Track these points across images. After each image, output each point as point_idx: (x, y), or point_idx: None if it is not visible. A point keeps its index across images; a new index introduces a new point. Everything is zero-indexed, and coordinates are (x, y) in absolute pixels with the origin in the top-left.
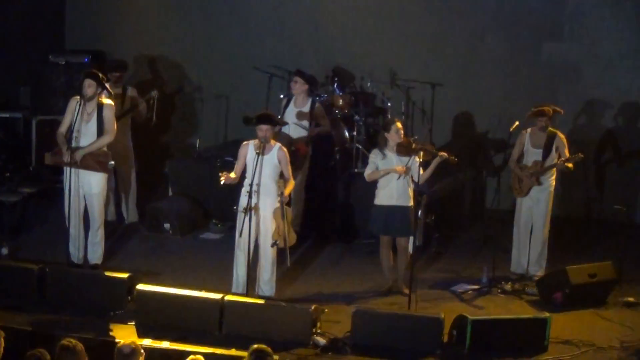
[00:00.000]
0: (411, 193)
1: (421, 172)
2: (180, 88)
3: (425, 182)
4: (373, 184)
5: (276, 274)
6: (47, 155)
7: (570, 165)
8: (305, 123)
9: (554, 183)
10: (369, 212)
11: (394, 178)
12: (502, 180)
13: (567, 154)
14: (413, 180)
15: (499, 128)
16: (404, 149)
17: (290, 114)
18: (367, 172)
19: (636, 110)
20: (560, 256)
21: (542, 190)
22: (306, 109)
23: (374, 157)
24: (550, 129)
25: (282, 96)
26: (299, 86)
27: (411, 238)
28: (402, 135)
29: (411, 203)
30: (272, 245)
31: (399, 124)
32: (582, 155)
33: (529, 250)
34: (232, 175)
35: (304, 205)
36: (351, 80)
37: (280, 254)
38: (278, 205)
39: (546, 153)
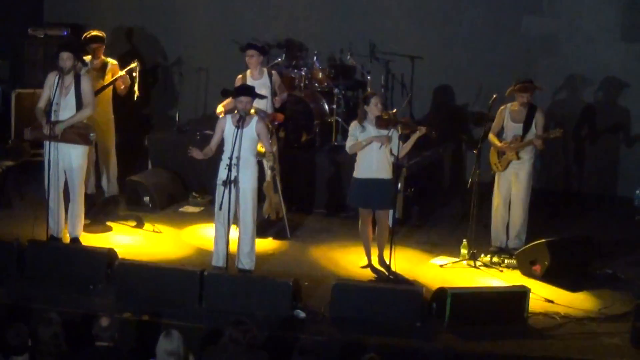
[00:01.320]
0: (390, 166)
1: (401, 145)
2: (160, 61)
3: (404, 155)
4: (352, 157)
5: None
6: (26, 131)
7: (540, 143)
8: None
9: (533, 158)
10: (348, 186)
11: (374, 151)
12: (482, 153)
13: (541, 132)
14: (392, 153)
15: (479, 101)
16: (384, 122)
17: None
18: (348, 145)
19: (616, 85)
20: (539, 229)
21: (520, 165)
22: (265, 80)
23: (354, 129)
24: (531, 103)
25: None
26: (255, 59)
27: (391, 211)
28: (381, 109)
29: (391, 176)
30: (266, 218)
31: (378, 97)
32: (561, 131)
33: (508, 224)
34: (205, 150)
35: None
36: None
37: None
38: (269, 179)
39: (526, 128)
